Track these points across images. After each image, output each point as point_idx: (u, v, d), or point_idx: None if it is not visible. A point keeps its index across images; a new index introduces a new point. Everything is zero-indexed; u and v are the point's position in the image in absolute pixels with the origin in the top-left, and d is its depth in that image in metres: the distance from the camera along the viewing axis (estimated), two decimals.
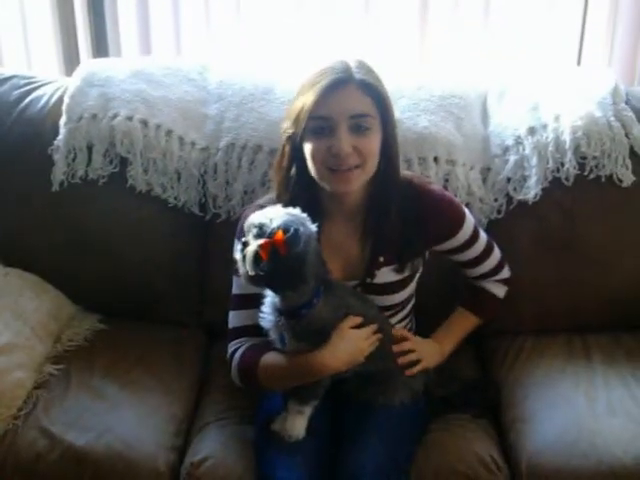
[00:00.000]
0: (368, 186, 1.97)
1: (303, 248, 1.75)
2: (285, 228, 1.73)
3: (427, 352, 2.10)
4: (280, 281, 1.79)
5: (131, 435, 2.00)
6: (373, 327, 1.92)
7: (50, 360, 2.25)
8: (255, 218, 1.78)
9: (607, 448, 1.93)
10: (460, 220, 2.05)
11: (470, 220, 2.07)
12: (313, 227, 1.81)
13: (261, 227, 1.75)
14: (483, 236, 2.12)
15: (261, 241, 1.73)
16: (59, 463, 1.95)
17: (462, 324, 2.21)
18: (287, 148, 1.95)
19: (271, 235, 1.73)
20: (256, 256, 1.73)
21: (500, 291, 2.22)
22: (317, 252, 1.82)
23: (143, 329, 2.42)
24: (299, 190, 1.97)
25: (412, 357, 2.05)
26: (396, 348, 2.03)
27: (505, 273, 2.21)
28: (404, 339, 2.07)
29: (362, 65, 1.90)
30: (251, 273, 1.75)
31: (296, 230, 1.74)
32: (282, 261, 1.73)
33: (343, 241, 2.02)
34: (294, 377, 1.88)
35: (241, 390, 2.09)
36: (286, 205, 1.90)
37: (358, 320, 1.90)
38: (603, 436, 1.96)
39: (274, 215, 1.77)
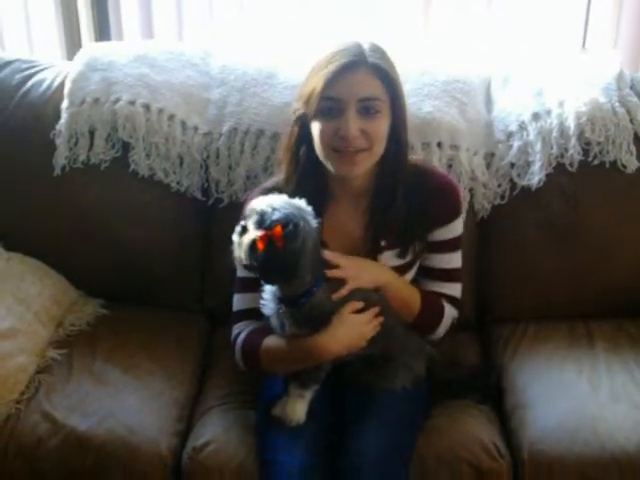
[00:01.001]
0: (375, 170, 1.97)
1: (300, 245, 1.75)
2: (285, 222, 1.73)
3: (360, 270, 1.95)
4: (273, 274, 1.80)
5: (133, 420, 2.01)
6: (374, 311, 1.91)
7: (52, 345, 2.25)
8: (258, 204, 1.78)
9: (609, 435, 1.93)
10: (458, 209, 2.05)
11: (462, 221, 2.07)
12: (314, 222, 1.81)
13: (262, 215, 1.75)
14: (460, 257, 2.10)
15: (259, 232, 1.73)
16: (61, 448, 1.95)
17: (411, 289, 2.08)
18: (296, 128, 1.96)
19: (270, 227, 1.73)
20: (252, 246, 1.74)
21: (447, 318, 2.11)
22: (316, 245, 1.82)
23: (145, 314, 2.42)
24: (307, 171, 1.97)
25: (335, 274, 1.89)
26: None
27: (449, 315, 2.11)
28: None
29: (375, 48, 1.89)
30: (245, 262, 1.77)
31: (295, 225, 1.74)
32: (277, 255, 1.73)
33: (347, 223, 2.02)
34: (295, 361, 1.88)
35: (243, 375, 2.10)
36: (294, 186, 1.93)
37: (359, 305, 1.89)
38: (605, 423, 1.96)
39: (277, 205, 1.77)
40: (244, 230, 1.78)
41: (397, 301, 2.00)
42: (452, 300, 2.12)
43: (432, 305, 2.08)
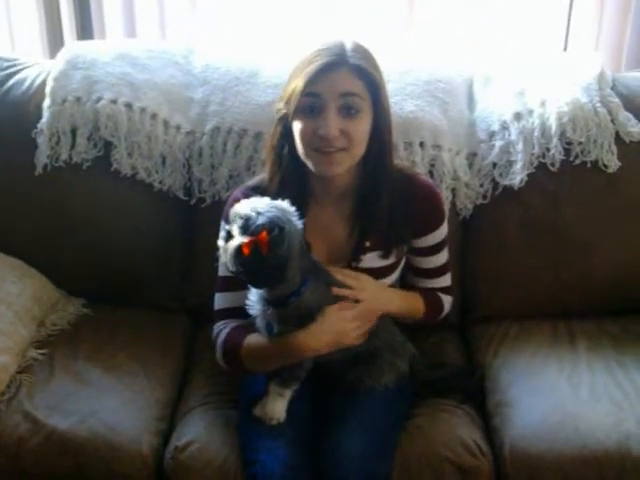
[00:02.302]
0: (357, 170, 1.97)
1: (286, 248, 1.75)
2: (270, 227, 1.73)
3: (371, 295, 1.98)
4: (260, 278, 1.80)
5: (114, 419, 2.00)
6: (359, 309, 1.91)
7: (34, 345, 2.24)
8: (241, 208, 1.77)
9: (590, 433, 1.94)
10: (442, 216, 2.07)
11: (446, 224, 2.09)
12: (299, 223, 1.81)
13: (247, 220, 1.74)
14: (447, 251, 2.14)
15: (245, 239, 1.72)
16: (42, 447, 1.94)
17: (414, 300, 2.14)
18: (279, 128, 1.96)
19: (255, 233, 1.72)
20: (238, 252, 1.73)
21: (447, 306, 2.20)
22: (302, 246, 1.82)
23: (127, 314, 2.41)
24: (289, 171, 1.97)
25: (348, 294, 1.93)
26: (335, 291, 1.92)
27: (447, 302, 2.20)
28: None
29: (358, 48, 1.89)
30: (232, 268, 1.77)
31: (281, 230, 1.74)
32: (264, 260, 1.73)
33: (330, 223, 2.03)
34: (276, 358, 1.88)
35: (225, 375, 2.11)
36: (277, 186, 1.94)
37: (350, 305, 1.90)
38: (586, 421, 1.97)
39: (262, 209, 1.76)
40: (229, 235, 1.78)
41: (404, 316, 2.09)
42: (446, 290, 2.18)
43: (433, 303, 2.15)
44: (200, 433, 1.98)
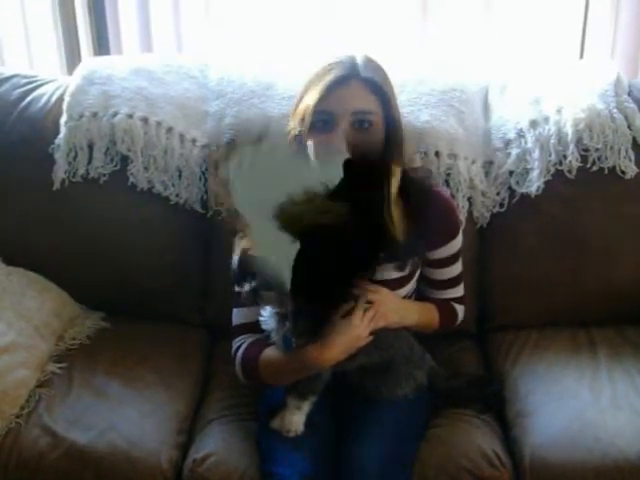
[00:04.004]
0: None
1: None
2: None
3: (388, 309, 1.97)
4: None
5: (134, 433, 2.01)
6: (362, 308, 1.89)
7: (53, 359, 2.25)
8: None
9: (611, 442, 1.92)
10: (457, 229, 2.07)
11: (461, 235, 2.08)
12: None
13: None
14: (461, 262, 2.13)
15: None
16: (62, 461, 1.95)
17: (430, 311, 2.14)
18: (294, 147, 1.95)
19: None
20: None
21: (460, 315, 2.20)
22: None
23: (146, 327, 2.42)
24: None
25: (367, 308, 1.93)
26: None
27: (461, 312, 2.20)
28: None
29: (369, 62, 1.89)
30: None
31: None
32: None
33: None
34: (293, 371, 1.88)
35: (243, 387, 2.11)
36: None
37: (348, 307, 1.88)
38: (607, 430, 1.95)
39: None
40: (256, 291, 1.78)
41: (420, 328, 2.08)
42: (459, 300, 2.17)
43: (448, 313, 2.15)
44: (218, 445, 1.99)
